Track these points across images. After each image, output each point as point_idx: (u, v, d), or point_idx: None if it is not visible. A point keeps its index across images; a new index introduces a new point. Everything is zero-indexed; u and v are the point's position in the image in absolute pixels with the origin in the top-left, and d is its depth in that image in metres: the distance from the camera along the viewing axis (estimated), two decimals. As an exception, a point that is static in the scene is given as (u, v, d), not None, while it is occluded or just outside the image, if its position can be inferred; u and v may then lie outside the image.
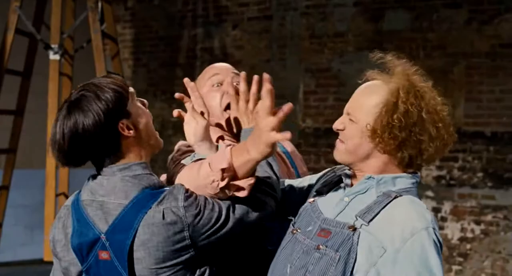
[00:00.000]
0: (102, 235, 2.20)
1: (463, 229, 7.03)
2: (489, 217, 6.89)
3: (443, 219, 7.08)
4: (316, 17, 7.87)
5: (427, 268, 2.03)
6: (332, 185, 2.39)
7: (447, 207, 7.11)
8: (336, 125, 2.31)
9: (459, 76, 7.02)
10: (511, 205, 6.77)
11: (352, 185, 2.28)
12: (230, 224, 2.20)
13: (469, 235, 6.97)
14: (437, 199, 7.11)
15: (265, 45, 8.22)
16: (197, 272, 2.24)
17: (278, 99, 7.24)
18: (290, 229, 2.32)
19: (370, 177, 2.21)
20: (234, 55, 8.44)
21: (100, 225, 2.21)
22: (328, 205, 2.28)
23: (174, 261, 2.17)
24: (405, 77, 2.34)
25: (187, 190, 2.20)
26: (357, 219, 2.13)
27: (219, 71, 2.92)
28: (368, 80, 2.45)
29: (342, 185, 2.33)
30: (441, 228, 7.12)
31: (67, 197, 6.05)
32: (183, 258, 2.16)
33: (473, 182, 6.97)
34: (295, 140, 7.91)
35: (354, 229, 2.10)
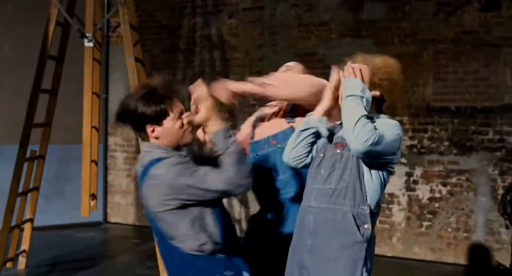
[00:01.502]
0: None
1: (432, 190, 8.02)
2: (454, 180, 7.90)
3: (415, 182, 8.09)
4: (303, 8, 8.75)
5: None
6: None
7: (418, 171, 8.11)
8: None
9: (428, 60, 7.96)
10: (473, 169, 7.77)
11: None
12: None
13: (437, 195, 7.97)
14: (410, 165, 8.09)
15: (258, 32, 9.10)
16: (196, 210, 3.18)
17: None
18: (319, 153, 3.40)
19: None
20: (230, 42, 9.32)
21: None
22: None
23: (165, 208, 3.12)
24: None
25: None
26: None
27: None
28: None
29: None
30: (413, 189, 8.11)
31: (96, 163, 7.06)
32: (171, 206, 3.13)
33: (440, 150, 7.96)
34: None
35: None
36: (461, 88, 7.81)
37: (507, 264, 7.46)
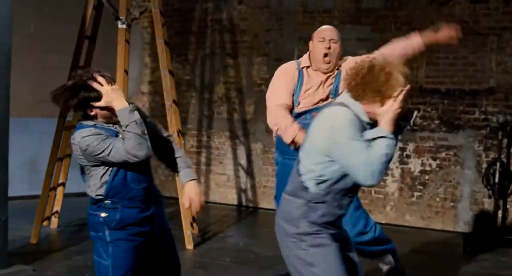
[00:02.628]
0: None
1: (423, 164, 8.85)
2: (443, 154, 8.75)
3: (408, 156, 8.94)
4: (308, -4, 9.60)
5: None
6: None
7: (410, 147, 8.92)
8: None
9: (422, 46, 8.85)
10: (460, 145, 8.59)
11: None
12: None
13: (428, 168, 8.81)
14: (403, 141, 8.88)
15: (266, 17, 9.87)
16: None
17: (277, 61, 9.47)
18: None
19: None
20: (240, 26, 10.10)
21: None
22: None
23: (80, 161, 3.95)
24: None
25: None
26: None
27: (325, 34, 5.00)
28: None
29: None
30: (405, 163, 8.96)
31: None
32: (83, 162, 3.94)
33: (431, 127, 8.77)
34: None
35: None
36: (451, 72, 8.65)
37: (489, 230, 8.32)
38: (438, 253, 7.80)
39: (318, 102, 4.99)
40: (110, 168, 3.95)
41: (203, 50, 10.40)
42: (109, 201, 4.03)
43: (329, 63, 4.91)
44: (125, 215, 4.07)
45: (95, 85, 3.86)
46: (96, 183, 4.00)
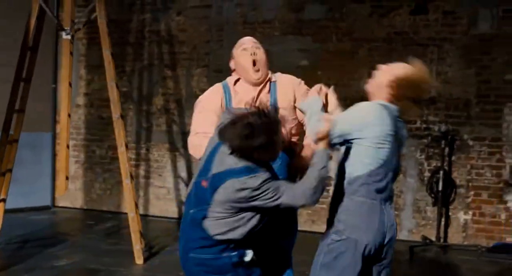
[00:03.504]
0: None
1: (365, 174, 9.01)
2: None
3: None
4: (248, 7, 9.58)
5: None
6: None
7: (353, 157, 9.08)
8: None
9: (363, 56, 8.92)
10: (402, 154, 8.76)
11: None
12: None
13: (370, 178, 8.98)
14: (346, 151, 9.07)
15: (205, 28, 9.84)
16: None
17: (217, 73, 9.53)
18: None
19: None
20: (178, 37, 10.03)
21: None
22: None
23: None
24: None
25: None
26: None
27: (245, 43, 4.69)
28: None
29: None
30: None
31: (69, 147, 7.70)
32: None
33: None
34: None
35: None
36: (392, 82, 8.80)
37: (433, 238, 8.48)
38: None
39: None
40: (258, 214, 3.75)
41: (140, 62, 10.30)
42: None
43: (258, 71, 4.58)
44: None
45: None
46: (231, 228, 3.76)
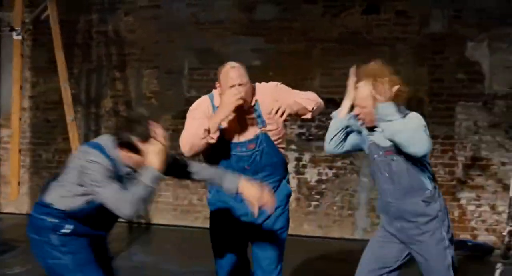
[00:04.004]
0: None
1: (319, 173, 9.01)
2: (339, 163, 8.95)
3: (304, 166, 9.08)
4: (199, 7, 9.53)
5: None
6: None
7: (307, 157, 9.07)
8: (356, 112, 4.43)
9: (316, 56, 8.97)
10: (356, 153, 8.85)
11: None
12: None
13: (324, 177, 8.98)
14: (299, 151, 9.04)
15: (155, 29, 9.74)
16: None
17: (168, 74, 9.46)
18: (371, 157, 4.40)
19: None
20: (127, 38, 9.90)
21: None
22: (378, 142, 4.35)
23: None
24: (373, 80, 4.47)
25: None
26: None
27: (233, 79, 4.83)
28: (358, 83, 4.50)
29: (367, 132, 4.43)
30: (302, 173, 9.10)
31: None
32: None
33: None
34: (182, 107, 9.61)
35: None
36: (345, 82, 8.78)
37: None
38: (340, 260, 7.92)
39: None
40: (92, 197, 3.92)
41: (88, 63, 10.14)
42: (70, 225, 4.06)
43: (243, 106, 4.78)
44: (76, 228, 4.07)
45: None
46: (65, 196, 3.98)
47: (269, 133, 4.86)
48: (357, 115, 4.41)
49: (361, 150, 4.58)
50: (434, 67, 8.56)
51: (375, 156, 4.40)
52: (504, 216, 8.27)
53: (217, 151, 4.83)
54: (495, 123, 8.37)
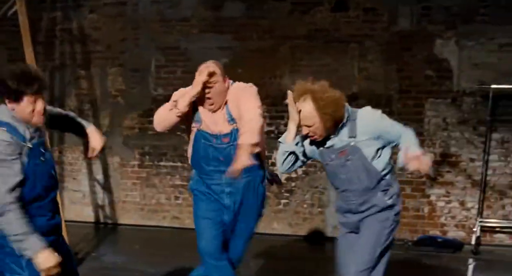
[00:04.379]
0: None
1: (289, 171, 9.06)
2: (309, 161, 8.98)
3: (273, 164, 9.06)
4: (165, 4, 9.46)
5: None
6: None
7: (276, 154, 9.08)
8: (305, 132, 4.52)
9: (285, 54, 8.98)
10: (325, 151, 8.92)
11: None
12: None
13: (294, 175, 8.98)
14: (268, 149, 9.04)
15: (120, 26, 9.66)
16: None
17: (133, 72, 9.38)
18: (324, 163, 4.53)
19: (341, 124, 4.46)
20: (92, 35, 9.79)
21: None
22: (330, 145, 4.48)
23: None
24: (309, 91, 4.53)
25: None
26: (350, 138, 4.39)
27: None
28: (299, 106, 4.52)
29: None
30: (271, 171, 9.10)
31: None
32: None
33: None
34: (149, 105, 9.58)
35: (353, 143, 4.39)
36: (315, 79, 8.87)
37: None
38: (310, 258, 7.96)
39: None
40: None
41: (52, 61, 10.00)
42: None
43: (212, 105, 5.05)
44: (35, 224, 3.91)
45: None
46: None
47: None
48: (306, 135, 4.55)
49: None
50: (403, 64, 8.62)
51: (328, 161, 4.53)
52: (473, 211, 8.41)
53: (198, 140, 5.14)
54: (464, 119, 8.47)
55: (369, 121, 4.46)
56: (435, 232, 8.56)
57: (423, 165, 4.30)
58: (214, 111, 5.08)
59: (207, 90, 4.98)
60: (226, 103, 5.07)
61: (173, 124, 5.10)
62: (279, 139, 4.73)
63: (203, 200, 5.24)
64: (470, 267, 7.40)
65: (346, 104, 4.58)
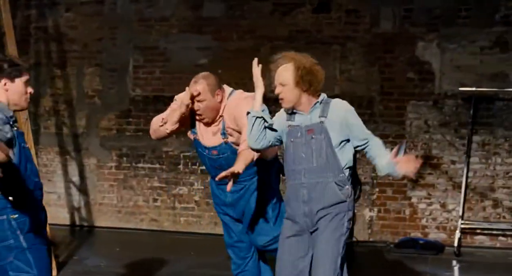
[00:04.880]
0: None
1: (270, 173, 9.10)
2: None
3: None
4: (144, 4, 9.47)
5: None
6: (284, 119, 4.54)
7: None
8: (277, 92, 4.48)
9: (265, 55, 8.91)
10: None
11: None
12: None
13: (275, 177, 9.07)
14: (249, 151, 9.12)
15: (97, 26, 9.63)
16: None
17: (111, 72, 9.37)
18: (289, 141, 4.46)
19: (316, 103, 4.42)
20: (68, 34, 9.75)
21: None
22: (299, 124, 4.42)
23: None
24: (294, 57, 4.49)
25: None
26: (321, 118, 4.37)
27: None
28: (279, 64, 4.52)
29: (292, 117, 4.51)
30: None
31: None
32: None
33: None
34: (126, 106, 9.55)
35: (322, 122, 4.35)
36: (295, 80, 8.94)
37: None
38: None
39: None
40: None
41: (26, 60, 9.87)
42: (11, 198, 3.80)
43: (204, 119, 5.16)
44: (33, 214, 3.88)
45: None
46: None
47: (233, 144, 5.14)
48: (276, 97, 4.53)
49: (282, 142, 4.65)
50: (385, 66, 8.72)
51: (293, 139, 4.48)
52: (455, 213, 8.52)
53: (197, 149, 5.35)
54: (445, 122, 8.58)
55: (342, 109, 4.47)
56: (416, 234, 8.66)
57: (412, 168, 4.30)
58: (209, 125, 5.18)
59: (195, 107, 5.07)
60: (222, 117, 5.16)
61: (164, 137, 5.29)
62: (247, 110, 4.63)
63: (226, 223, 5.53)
64: (456, 269, 7.50)
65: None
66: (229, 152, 5.10)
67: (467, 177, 8.42)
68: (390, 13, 8.67)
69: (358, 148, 4.48)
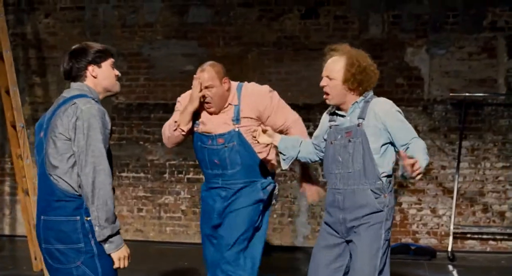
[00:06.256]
0: None
1: (258, 181, 9.25)
2: (278, 170, 9.16)
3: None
4: (127, 9, 9.63)
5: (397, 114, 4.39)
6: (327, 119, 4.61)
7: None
8: (322, 83, 4.50)
9: (253, 61, 9.24)
10: (295, 160, 9.09)
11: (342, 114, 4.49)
12: None
13: (263, 185, 9.23)
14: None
15: (79, 32, 9.76)
16: None
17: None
18: (329, 142, 4.51)
19: (355, 102, 4.41)
20: (48, 41, 9.86)
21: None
22: (340, 124, 4.47)
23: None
24: (349, 52, 4.53)
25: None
26: (359, 119, 4.35)
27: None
28: (332, 55, 4.57)
29: (334, 117, 4.53)
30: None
31: None
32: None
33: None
34: (109, 114, 9.55)
35: (360, 124, 4.34)
36: (283, 87, 8.98)
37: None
38: (285, 269, 8.11)
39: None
40: None
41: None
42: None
43: (212, 108, 5.18)
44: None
45: None
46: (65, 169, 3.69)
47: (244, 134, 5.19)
48: (321, 88, 4.53)
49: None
50: (374, 72, 8.92)
51: (333, 140, 4.46)
52: (445, 219, 8.79)
53: (195, 143, 5.34)
54: (435, 127, 8.89)
55: (381, 110, 4.32)
56: (407, 239, 8.93)
57: (415, 172, 4.06)
58: (216, 114, 5.21)
59: (205, 96, 5.13)
60: (230, 105, 5.20)
61: (180, 141, 5.31)
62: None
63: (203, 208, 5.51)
64: (454, 273, 7.74)
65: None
66: (236, 142, 5.13)
67: (457, 182, 8.69)
68: (378, 19, 8.96)
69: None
